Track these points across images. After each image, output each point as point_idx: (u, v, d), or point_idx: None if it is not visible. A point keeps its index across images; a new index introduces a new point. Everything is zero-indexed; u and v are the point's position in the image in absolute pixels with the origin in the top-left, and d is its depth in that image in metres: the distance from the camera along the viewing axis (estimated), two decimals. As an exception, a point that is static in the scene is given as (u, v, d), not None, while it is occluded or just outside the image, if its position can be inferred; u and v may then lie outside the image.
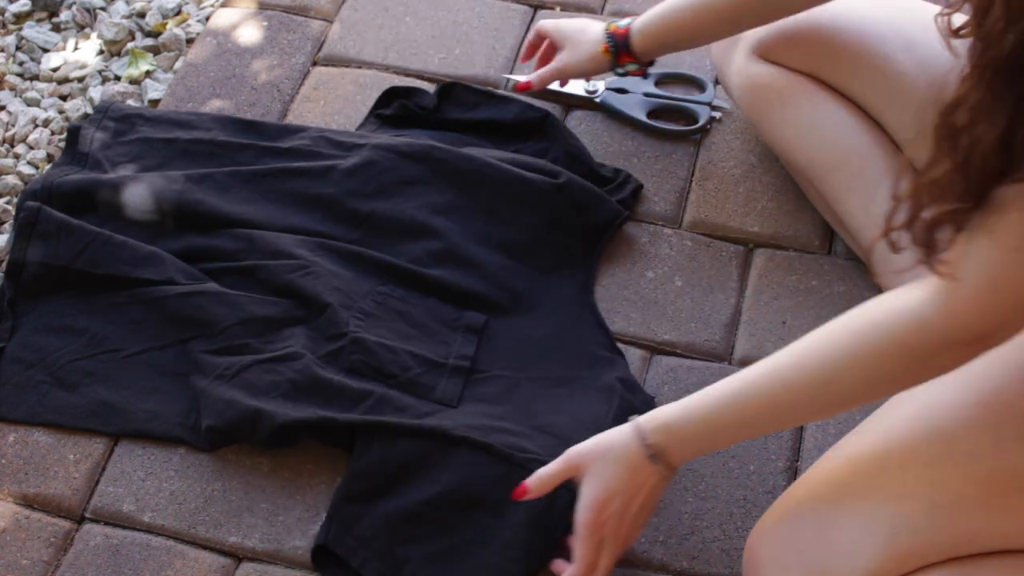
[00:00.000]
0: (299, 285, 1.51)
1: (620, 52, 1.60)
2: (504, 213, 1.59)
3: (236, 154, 1.67)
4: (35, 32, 1.92)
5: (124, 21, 1.92)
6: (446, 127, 1.73)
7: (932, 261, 1.05)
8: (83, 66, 1.88)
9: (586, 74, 1.68)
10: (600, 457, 1.24)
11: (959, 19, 1.00)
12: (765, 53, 1.56)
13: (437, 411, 1.41)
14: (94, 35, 1.92)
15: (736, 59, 1.61)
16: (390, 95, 1.76)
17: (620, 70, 1.63)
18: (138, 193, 1.61)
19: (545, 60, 1.70)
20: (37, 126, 1.80)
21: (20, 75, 1.88)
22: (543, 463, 1.27)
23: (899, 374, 1.11)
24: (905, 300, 1.08)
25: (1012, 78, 0.91)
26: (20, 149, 1.77)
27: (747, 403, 1.18)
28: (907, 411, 1.19)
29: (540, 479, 1.26)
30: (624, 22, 1.60)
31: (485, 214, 1.59)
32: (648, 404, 1.42)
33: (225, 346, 1.47)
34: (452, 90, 1.76)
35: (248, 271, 1.54)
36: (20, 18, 1.95)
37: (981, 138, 0.95)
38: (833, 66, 1.52)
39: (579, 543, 1.24)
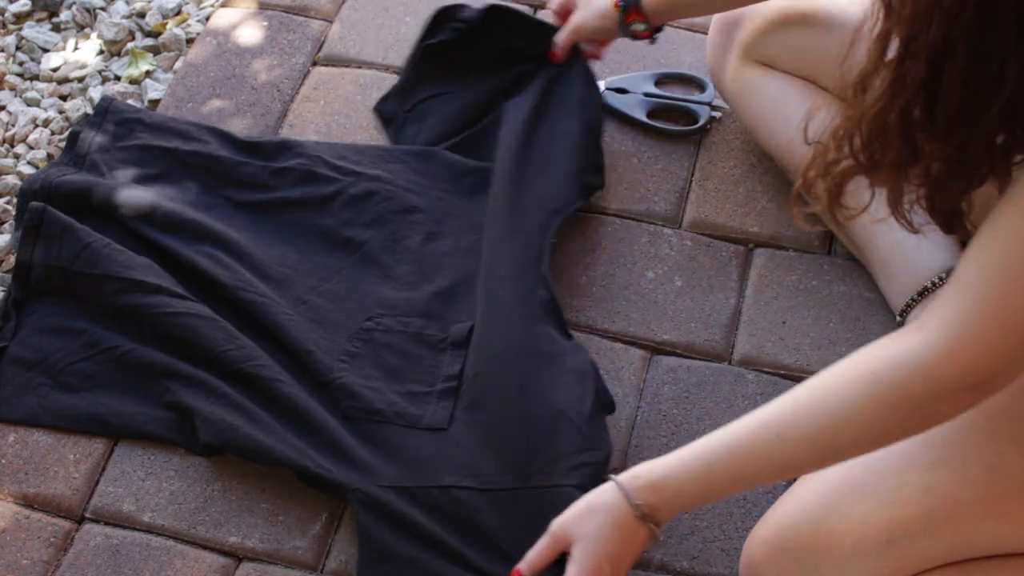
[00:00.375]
0: (285, 329, 1.50)
1: (630, 8, 1.57)
2: (502, 241, 1.59)
3: (233, 169, 1.66)
4: (35, 32, 1.92)
5: (124, 21, 1.92)
6: (483, 56, 1.74)
7: (837, 210, 1.09)
8: (83, 66, 1.88)
9: (597, 32, 1.65)
10: (586, 523, 1.20)
11: None
12: (758, 57, 1.57)
13: (429, 442, 1.41)
14: (94, 35, 1.92)
15: (730, 64, 1.61)
16: (437, 21, 1.75)
17: (628, 28, 1.60)
18: (136, 208, 1.60)
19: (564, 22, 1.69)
20: (37, 126, 1.80)
21: (20, 75, 1.88)
22: (540, 488, 1.34)
23: (904, 423, 1.08)
24: (905, 346, 1.05)
25: (903, 59, 0.98)
26: (20, 149, 1.77)
27: (741, 459, 1.13)
28: None
29: (530, 564, 1.23)
30: None
31: (481, 241, 1.59)
32: (607, 396, 1.43)
33: (223, 370, 1.46)
34: (499, 13, 1.74)
35: (237, 304, 1.52)
36: (20, 18, 1.95)
37: (870, 104, 1.01)
38: (829, 70, 1.51)
39: None
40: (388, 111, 1.76)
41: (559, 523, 1.21)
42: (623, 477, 1.18)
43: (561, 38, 1.67)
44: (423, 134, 1.72)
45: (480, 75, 1.73)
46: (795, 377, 1.50)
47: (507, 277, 1.52)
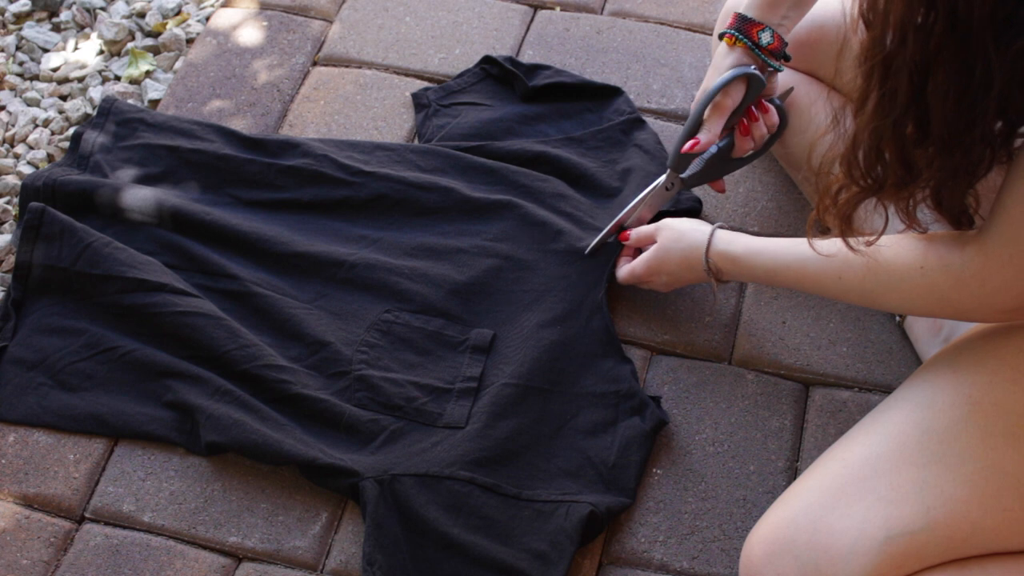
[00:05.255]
0: (301, 320, 1.51)
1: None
2: (516, 237, 1.60)
3: (239, 168, 1.67)
4: (35, 32, 1.92)
5: (124, 21, 1.92)
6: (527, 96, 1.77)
7: (847, 238, 1.14)
8: (83, 66, 1.88)
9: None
10: (672, 237, 1.46)
11: None
12: None
13: (446, 438, 1.41)
14: (94, 35, 1.92)
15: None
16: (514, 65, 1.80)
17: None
18: (143, 207, 1.61)
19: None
20: (37, 126, 1.80)
21: (20, 75, 1.88)
22: (548, 502, 1.35)
23: (940, 313, 1.24)
24: (953, 255, 1.15)
25: (886, 78, 1.01)
26: (20, 149, 1.77)
27: (803, 278, 1.32)
28: (899, 413, 1.20)
29: (638, 234, 1.51)
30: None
31: (496, 240, 1.59)
32: (655, 419, 1.43)
33: (227, 369, 1.47)
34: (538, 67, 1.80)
35: (249, 296, 1.53)
36: (20, 18, 1.96)
37: (863, 126, 1.04)
38: (833, 65, 1.52)
39: (624, 279, 1.52)
40: (424, 99, 1.78)
41: (665, 222, 1.48)
42: (719, 236, 1.42)
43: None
44: (449, 128, 1.73)
45: (525, 102, 1.77)
46: (795, 377, 1.50)
47: (562, 311, 1.52)
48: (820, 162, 1.13)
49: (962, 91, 0.97)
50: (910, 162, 1.04)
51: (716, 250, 1.41)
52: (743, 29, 1.44)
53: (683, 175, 1.51)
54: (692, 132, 1.46)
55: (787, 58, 1.46)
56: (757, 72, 1.44)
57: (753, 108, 1.48)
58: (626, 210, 1.54)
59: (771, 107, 1.49)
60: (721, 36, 1.46)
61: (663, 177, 1.52)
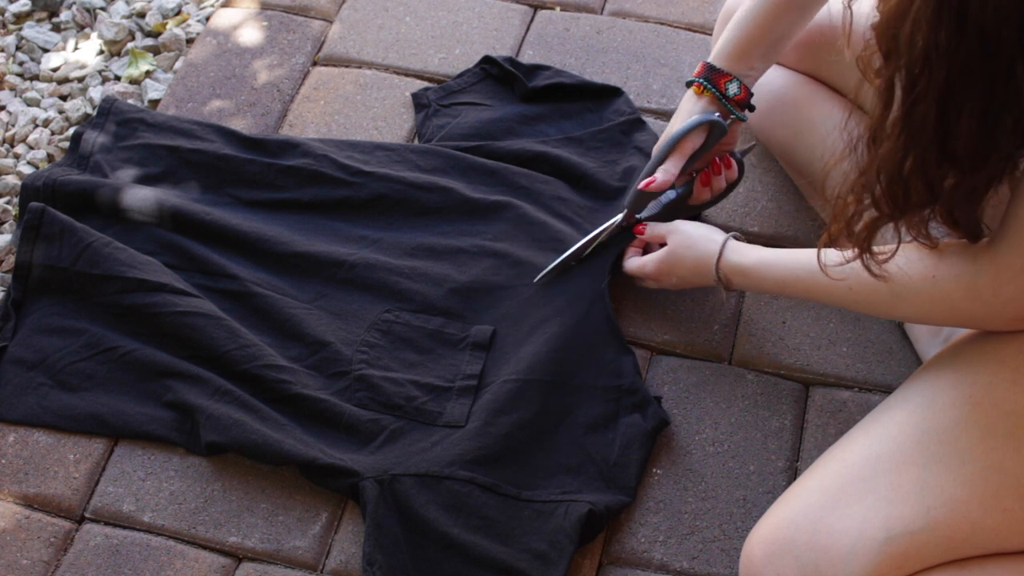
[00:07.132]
0: (301, 320, 1.51)
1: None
2: (515, 236, 1.60)
3: (239, 168, 1.67)
4: (35, 32, 1.92)
5: (124, 21, 1.92)
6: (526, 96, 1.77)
7: (866, 260, 1.14)
8: (83, 66, 1.88)
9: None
10: (684, 244, 1.46)
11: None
12: None
13: (446, 437, 1.41)
14: (94, 35, 1.92)
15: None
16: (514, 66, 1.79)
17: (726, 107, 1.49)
18: (143, 207, 1.61)
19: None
20: (37, 126, 1.80)
21: (20, 75, 1.88)
22: (547, 502, 1.35)
23: (953, 322, 1.24)
24: (965, 264, 1.16)
25: (913, 106, 1.00)
26: (20, 149, 1.77)
27: (814, 289, 1.32)
28: (899, 413, 1.20)
29: (652, 230, 1.51)
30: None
31: (496, 240, 1.59)
32: (656, 418, 1.43)
33: (227, 369, 1.47)
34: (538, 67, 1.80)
35: (249, 296, 1.53)
36: (20, 18, 1.96)
37: (886, 155, 1.04)
38: (832, 65, 1.52)
39: (633, 271, 1.52)
40: (424, 99, 1.78)
41: (678, 224, 1.49)
42: (730, 245, 1.43)
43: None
44: (449, 128, 1.73)
45: (525, 103, 1.77)
46: (795, 377, 1.50)
47: (563, 302, 1.52)
48: (838, 190, 1.12)
49: (986, 110, 0.97)
50: (933, 185, 1.04)
51: (727, 262, 1.41)
52: (711, 79, 1.47)
53: (640, 215, 1.53)
54: (652, 173, 1.48)
55: (752, 108, 1.50)
56: (719, 120, 1.47)
57: (717, 160, 1.52)
58: (577, 246, 1.54)
59: (733, 162, 1.54)
60: (689, 84, 1.49)
61: (620, 216, 1.53)
